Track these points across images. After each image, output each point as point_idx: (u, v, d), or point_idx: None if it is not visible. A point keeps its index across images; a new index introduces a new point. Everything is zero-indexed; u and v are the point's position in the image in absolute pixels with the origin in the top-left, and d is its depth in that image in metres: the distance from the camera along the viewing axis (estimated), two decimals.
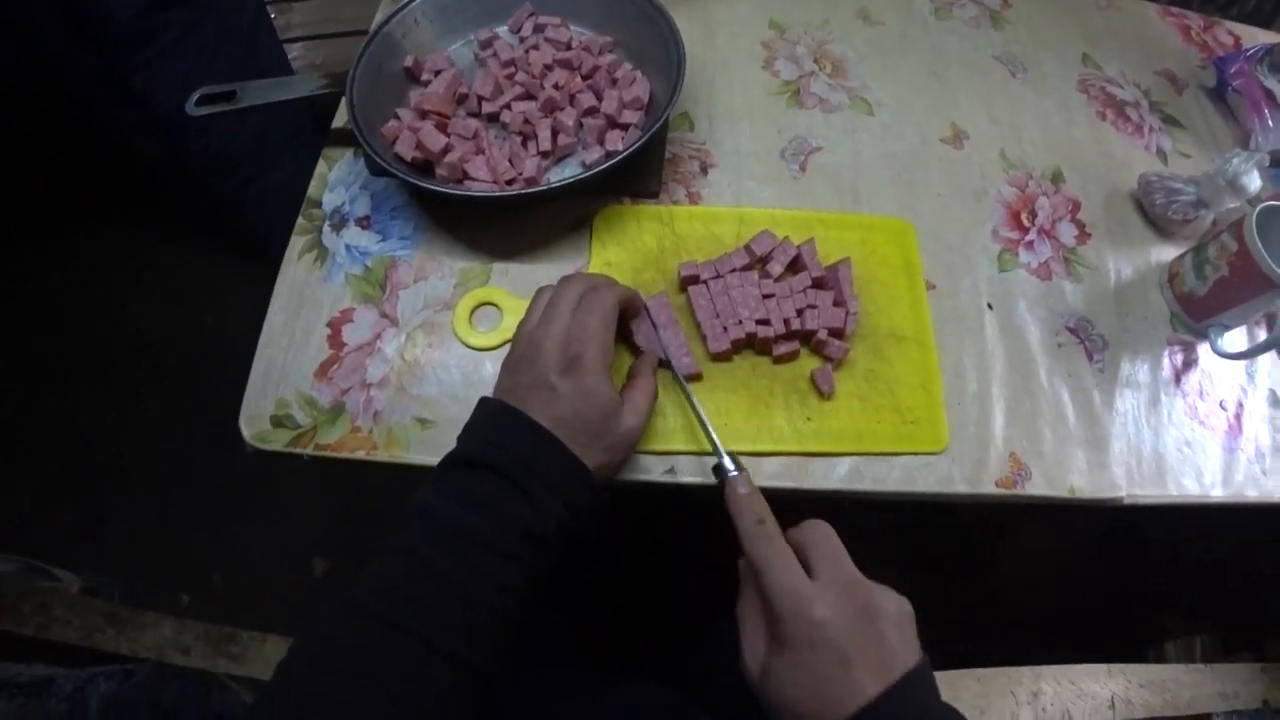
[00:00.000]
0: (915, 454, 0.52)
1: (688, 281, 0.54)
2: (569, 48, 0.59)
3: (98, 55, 1.06)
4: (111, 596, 1.05)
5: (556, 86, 0.56)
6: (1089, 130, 0.72)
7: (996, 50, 0.75)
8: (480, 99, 0.57)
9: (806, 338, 0.54)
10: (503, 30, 0.63)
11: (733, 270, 0.54)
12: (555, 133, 0.54)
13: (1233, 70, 0.77)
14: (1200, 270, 0.61)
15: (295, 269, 0.57)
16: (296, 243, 0.58)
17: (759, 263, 0.55)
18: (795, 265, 0.56)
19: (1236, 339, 0.63)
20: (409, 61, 0.60)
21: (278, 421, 0.51)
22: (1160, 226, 0.67)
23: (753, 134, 0.63)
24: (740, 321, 0.52)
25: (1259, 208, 0.56)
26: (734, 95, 0.66)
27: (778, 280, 0.54)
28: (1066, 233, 0.65)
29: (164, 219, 1.57)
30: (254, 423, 0.51)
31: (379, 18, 0.61)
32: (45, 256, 1.58)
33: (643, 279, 0.55)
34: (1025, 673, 0.75)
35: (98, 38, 1.03)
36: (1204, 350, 0.62)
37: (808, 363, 0.54)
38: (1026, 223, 0.64)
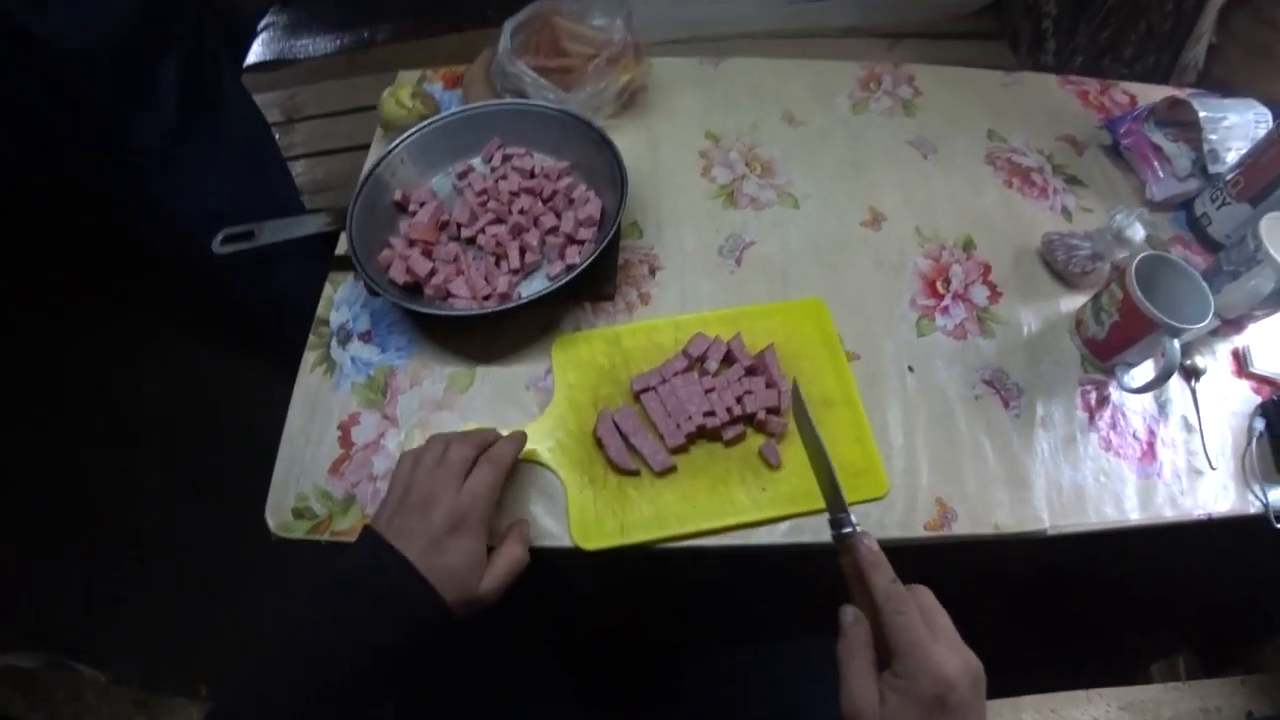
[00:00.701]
0: (864, 501, 0.59)
1: (640, 392, 0.62)
2: (533, 175, 0.69)
3: (124, 174, 1.17)
4: (130, 686, 1.11)
5: (522, 211, 0.66)
6: (997, 198, 0.80)
7: (910, 136, 0.84)
8: (459, 225, 0.67)
9: (749, 419, 0.61)
10: (476, 161, 0.73)
11: (676, 374, 0.62)
12: (523, 251, 0.64)
13: (1123, 130, 0.85)
14: (1098, 316, 0.68)
15: (309, 380, 0.66)
16: (309, 357, 0.67)
17: (698, 362, 0.63)
18: (728, 359, 0.65)
19: (1144, 373, 0.69)
20: (398, 195, 0.70)
21: (298, 513, 0.59)
22: (1065, 279, 0.74)
23: (694, 235, 0.72)
24: (690, 417, 0.59)
25: (1138, 258, 0.64)
26: (676, 202, 0.75)
27: (715, 375, 0.62)
28: (979, 294, 0.72)
29: (178, 310, 1.67)
30: (278, 514, 0.59)
31: (369, 163, 0.71)
32: (65, 341, 1.68)
33: (602, 394, 0.63)
34: (1004, 705, 0.77)
35: (127, 160, 1.14)
36: (1114, 387, 0.68)
37: (754, 440, 0.61)
38: (941, 290, 0.72)
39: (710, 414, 0.60)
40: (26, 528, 1.46)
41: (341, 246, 0.72)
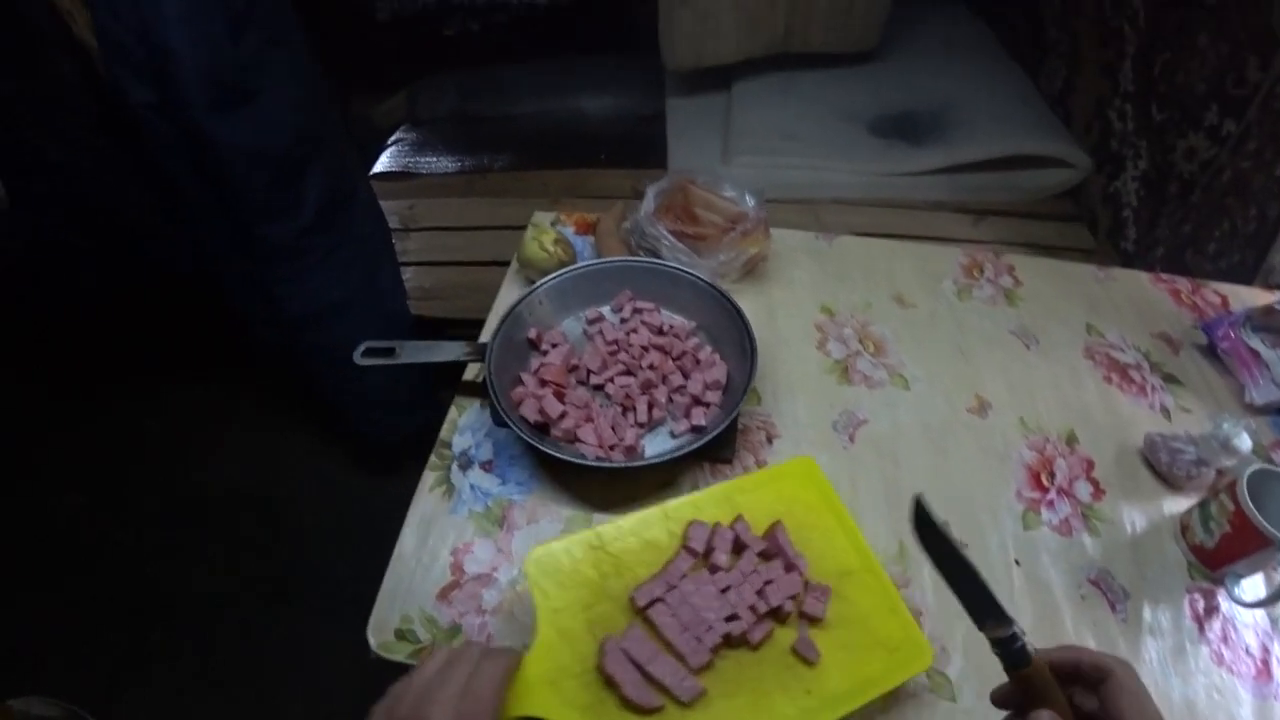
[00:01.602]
0: (912, 678, 0.54)
1: (645, 607, 0.53)
2: (662, 332, 0.74)
3: (250, 263, 1.28)
4: None
5: (652, 367, 0.70)
6: (1097, 393, 0.82)
7: (1012, 325, 0.88)
8: (589, 371, 0.72)
9: (775, 613, 0.54)
10: (606, 310, 0.79)
11: (682, 575, 0.54)
12: (651, 407, 0.68)
13: (1220, 333, 0.87)
14: (1206, 525, 0.67)
15: (426, 500, 0.69)
16: (429, 477, 0.70)
17: (703, 558, 0.56)
18: (736, 546, 0.58)
19: (1255, 586, 0.67)
20: (532, 333, 0.75)
21: (401, 634, 0.60)
22: (1169, 481, 0.74)
23: (809, 407, 0.76)
24: (710, 627, 0.52)
25: (1249, 471, 0.64)
26: (793, 372, 0.79)
27: (728, 571, 0.55)
28: (1083, 490, 0.73)
29: (254, 388, 1.76)
30: (380, 631, 0.60)
31: (511, 299, 0.77)
32: (142, 403, 1.78)
33: (596, 614, 0.53)
34: None
35: (254, 251, 1.25)
36: (1224, 597, 0.66)
37: (784, 636, 0.54)
38: (1046, 483, 0.73)
39: (734, 618, 0.52)
40: (73, 583, 1.50)
41: (470, 373, 0.77)
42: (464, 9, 1.89)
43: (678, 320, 0.77)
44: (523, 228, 1.64)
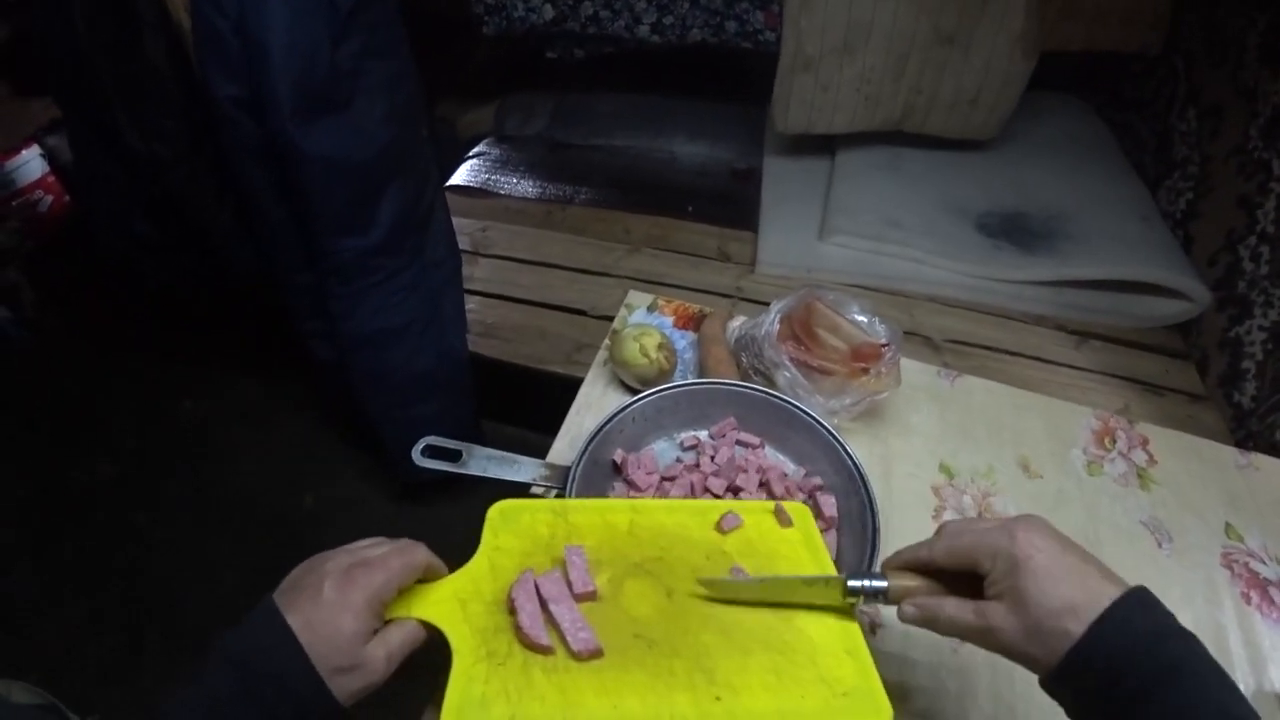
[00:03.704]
0: None
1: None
2: (768, 487, 0.66)
3: (311, 275, 1.23)
4: None
5: None
6: (1235, 614, 0.72)
7: (1144, 514, 0.78)
8: None
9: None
10: (704, 434, 0.72)
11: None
12: None
13: None
14: None
15: None
16: None
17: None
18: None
19: None
20: (618, 456, 0.68)
21: None
22: None
23: None
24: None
25: None
26: (905, 543, 0.70)
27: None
28: None
29: (300, 397, 1.73)
30: None
31: (600, 409, 0.70)
32: (185, 387, 1.77)
33: (532, 562, 0.53)
34: None
35: (318, 264, 1.20)
36: None
37: (710, 626, 0.50)
38: None
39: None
40: (77, 559, 1.48)
41: (538, 489, 0.69)
42: (573, 36, 1.83)
43: (790, 468, 0.69)
44: (600, 274, 1.61)
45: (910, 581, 0.48)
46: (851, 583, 0.49)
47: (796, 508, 0.59)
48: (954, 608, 0.46)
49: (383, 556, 0.46)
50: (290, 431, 1.70)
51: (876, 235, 1.57)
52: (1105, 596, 0.42)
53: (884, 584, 0.48)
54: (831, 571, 0.54)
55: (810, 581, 0.52)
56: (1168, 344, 1.57)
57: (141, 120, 1.12)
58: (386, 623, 0.46)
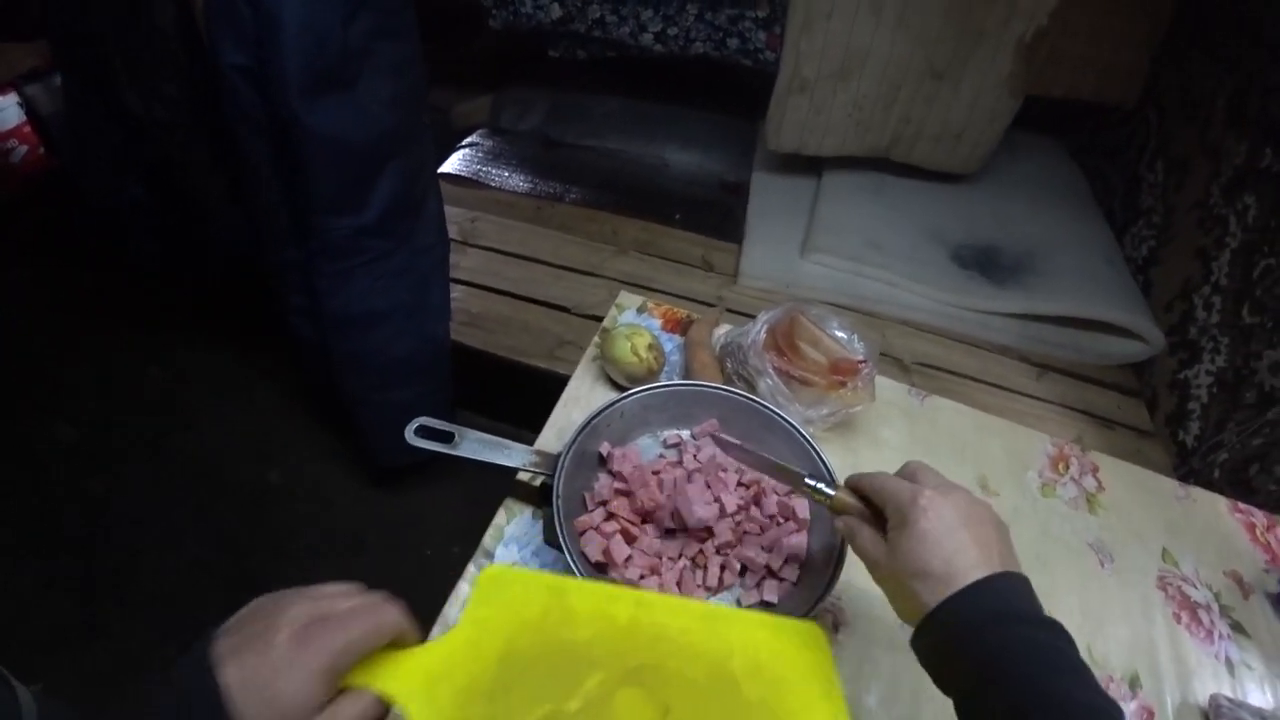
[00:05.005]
0: None
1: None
2: (742, 483, 0.69)
3: (299, 252, 1.23)
4: None
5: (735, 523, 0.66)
6: (1165, 632, 0.77)
7: (1090, 536, 0.83)
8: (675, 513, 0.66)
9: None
10: (687, 434, 0.75)
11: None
12: (723, 569, 0.63)
13: None
14: None
15: (454, 614, 0.63)
16: (463, 589, 0.65)
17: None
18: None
19: None
20: (604, 449, 0.70)
21: None
22: None
23: (884, 602, 0.70)
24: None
25: None
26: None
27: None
28: None
29: (276, 373, 1.72)
30: None
31: (589, 402, 0.73)
32: (153, 354, 1.74)
33: (517, 647, 0.47)
34: None
35: (308, 241, 1.20)
36: None
37: None
38: None
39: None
40: (31, 526, 1.46)
41: (525, 475, 0.71)
42: (578, 36, 1.86)
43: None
44: (586, 273, 1.63)
45: (851, 500, 0.55)
46: (809, 480, 0.57)
47: (812, 630, 0.55)
48: (866, 536, 0.52)
49: (349, 612, 0.39)
50: (261, 406, 1.68)
51: (856, 256, 1.62)
52: (968, 577, 0.45)
53: (832, 492, 0.55)
54: (843, 708, 0.51)
55: (782, 468, 0.60)
56: (1122, 381, 1.65)
57: (143, 83, 1.12)
58: (340, 691, 0.39)
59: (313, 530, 1.48)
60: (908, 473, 0.54)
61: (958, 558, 0.45)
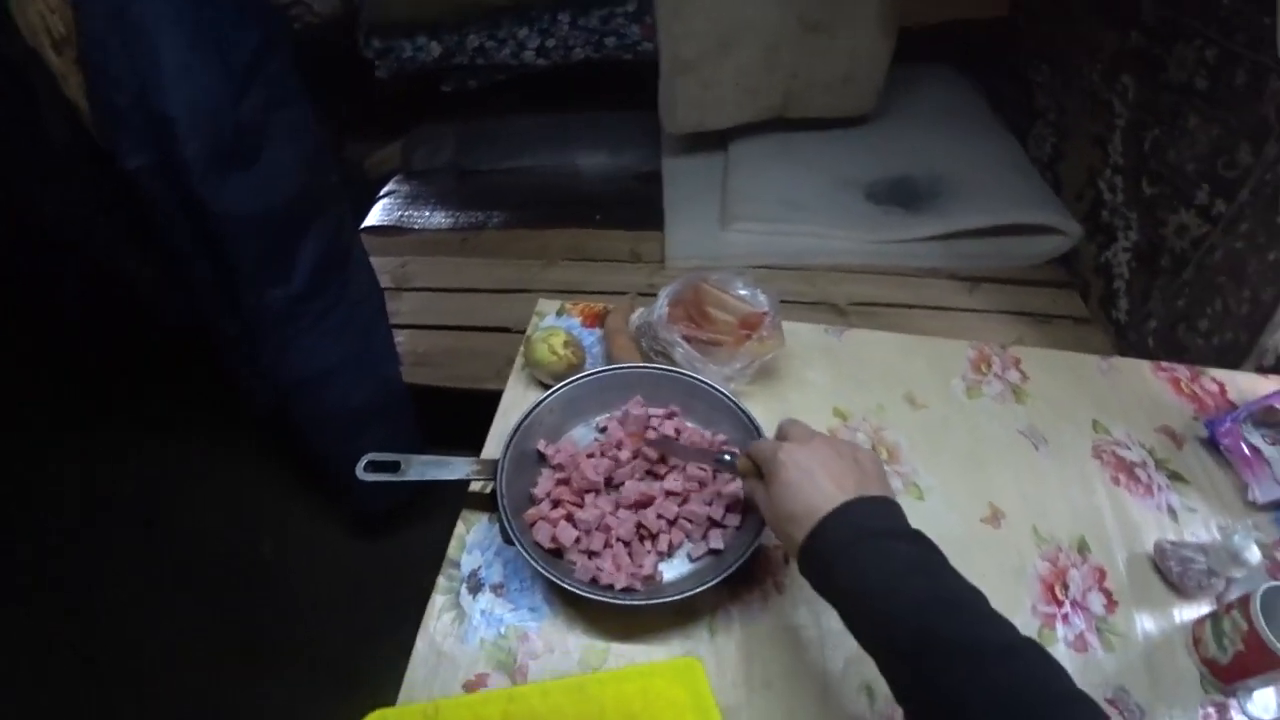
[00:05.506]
0: None
1: None
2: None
3: (241, 327, 1.25)
4: None
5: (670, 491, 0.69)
6: (1106, 496, 0.81)
7: (1021, 425, 0.87)
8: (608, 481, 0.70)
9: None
10: (616, 416, 0.78)
11: None
12: (671, 527, 0.67)
13: (1222, 430, 0.87)
14: (1220, 642, 0.66)
15: (436, 625, 0.66)
16: (437, 601, 0.68)
17: None
18: None
19: (1268, 700, 0.67)
20: (540, 445, 0.74)
21: None
22: (1180, 590, 0.73)
23: None
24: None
25: (1263, 590, 0.63)
26: None
27: None
28: (1096, 602, 0.72)
29: (244, 444, 1.73)
30: None
31: (520, 408, 0.76)
32: (131, 448, 1.75)
33: None
34: None
35: (246, 316, 1.22)
36: (1237, 711, 0.65)
37: None
38: (1060, 596, 0.72)
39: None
40: (29, 610, 1.48)
41: (477, 484, 0.75)
42: (464, 68, 1.89)
43: (704, 433, 0.76)
44: (520, 291, 1.66)
45: (749, 464, 0.60)
46: (718, 458, 0.64)
47: (688, 665, 0.60)
48: (759, 493, 0.57)
49: None
50: (237, 481, 1.70)
51: (774, 217, 1.67)
52: (824, 511, 0.50)
53: (735, 463, 0.62)
54: None
55: (701, 453, 0.70)
56: (1052, 277, 1.71)
57: (52, 190, 1.13)
58: None
59: (311, 586, 1.50)
60: (779, 431, 0.60)
61: (814, 498, 0.51)
